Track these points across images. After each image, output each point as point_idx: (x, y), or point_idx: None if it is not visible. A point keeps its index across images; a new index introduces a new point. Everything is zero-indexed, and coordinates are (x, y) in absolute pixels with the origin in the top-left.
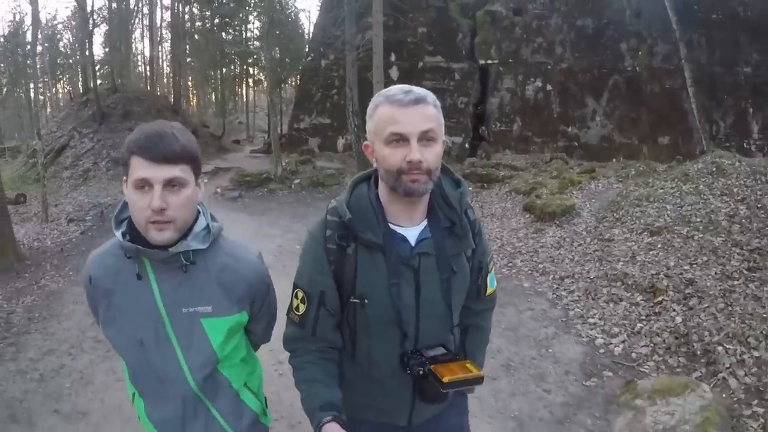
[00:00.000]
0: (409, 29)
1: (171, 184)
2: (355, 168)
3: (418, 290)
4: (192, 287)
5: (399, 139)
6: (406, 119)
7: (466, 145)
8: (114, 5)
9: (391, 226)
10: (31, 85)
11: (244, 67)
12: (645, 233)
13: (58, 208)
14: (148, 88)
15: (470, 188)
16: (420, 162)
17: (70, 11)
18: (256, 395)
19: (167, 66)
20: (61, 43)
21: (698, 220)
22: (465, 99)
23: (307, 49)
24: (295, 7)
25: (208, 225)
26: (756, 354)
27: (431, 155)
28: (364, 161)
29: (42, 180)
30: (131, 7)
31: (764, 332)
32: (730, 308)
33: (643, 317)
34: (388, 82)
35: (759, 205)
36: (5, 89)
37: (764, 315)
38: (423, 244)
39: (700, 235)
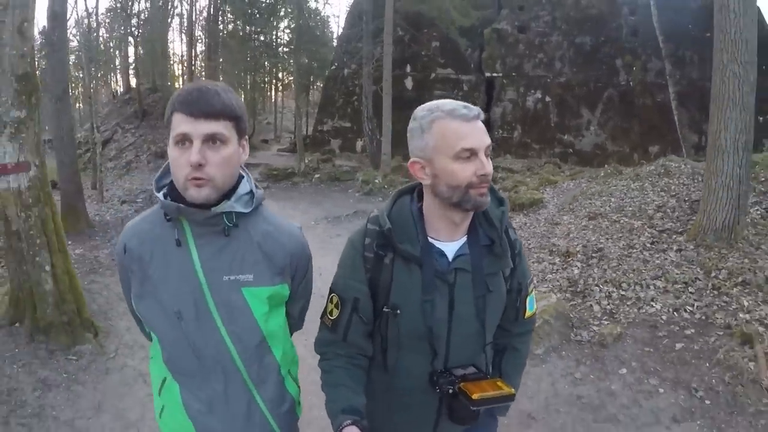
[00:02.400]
0: (423, 44)
1: (211, 140)
2: (369, 167)
3: (451, 306)
4: (233, 254)
5: (470, 155)
6: (474, 133)
7: None
8: (148, 5)
9: (430, 240)
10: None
11: (273, 71)
12: (585, 218)
13: (108, 193)
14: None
15: None
16: (490, 175)
17: (105, 9)
18: (296, 382)
19: (200, 64)
20: (100, 39)
21: (630, 209)
22: None
23: (332, 58)
24: (325, 14)
25: (251, 190)
26: (622, 293)
27: (491, 167)
28: (377, 161)
29: (99, 167)
30: (168, 8)
31: (635, 281)
32: (619, 267)
33: (554, 271)
34: (403, 90)
35: (686, 199)
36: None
37: (641, 270)
38: (460, 260)
39: (626, 220)
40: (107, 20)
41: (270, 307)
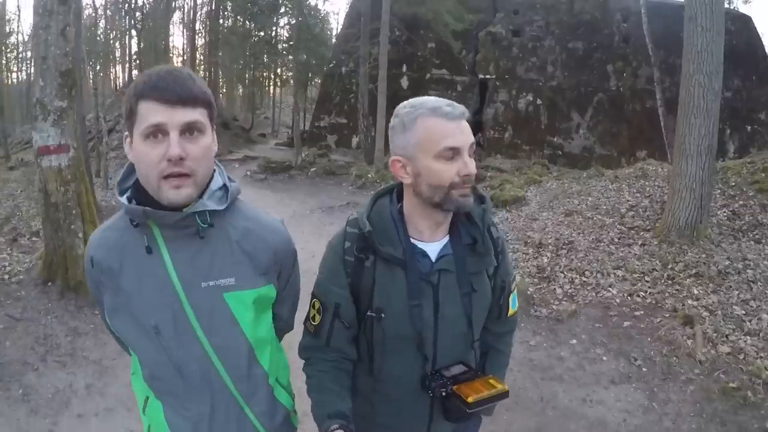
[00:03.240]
0: (418, 45)
1: (189, 130)
2: (364, 162)
3: (437, 307)
4: (211, 257)
5: (453, 154)
6: (458, 132)
7: None
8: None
9: (412, 241)
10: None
11: (272, 66)
12: (562, 215)
13: (112, 181)
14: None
15: None
16: (473, 175)
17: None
18: (287, 390)
19: (200, 59)
20: (99, 31)
21: (605, 208)
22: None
23: (330, 56)
24: (324, 11)
25: (225, 184)
26: (584, 279)
27: (474, 167)
28: (371, 156)
29: (105, 155)
30: (169, 3)
31: (597, 269)
32: (585, 257)
33: (525, 260)
34: (398, 89)
35: (659, 200)
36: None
37: (605, 261)
38: (443, 261)
39: (599, 217)
40: (108, 12)
41: (256, 312)
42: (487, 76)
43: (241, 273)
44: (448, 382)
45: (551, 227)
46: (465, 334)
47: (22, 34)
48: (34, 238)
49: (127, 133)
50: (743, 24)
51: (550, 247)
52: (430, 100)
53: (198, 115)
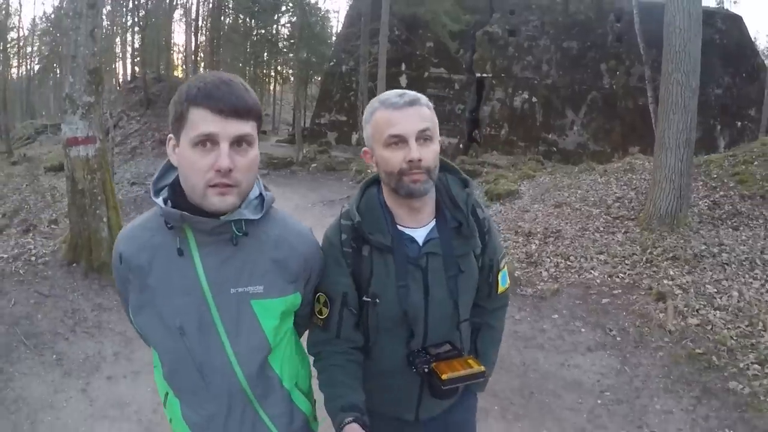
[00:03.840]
0: (417, 44)
1: (239, 142)
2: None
3: (426, 290)
4: (242, 264)
5: (398, 141)
6: (402, 120)
7: (461, 146)
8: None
9: (400, 228)
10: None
11: (273, 63)
12: (552, 206)
13: (116, 176)
14: (188, 77)
15: None
16: (419, 160)
17: None
18: (307, 397)
19: (201, 55)
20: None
21: (592, 199)
22: (462, 106)
23: (331, 54)
24: (324, 9)
25: (261, 193)
26: (568, 263)
27: (429, 154)
28: None
29: (111, 151)
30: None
31: (581, 255)
32: (571, 244)
33: (515, 247)
34: (397, 87)
35: (644, 192)
36: (38, 67)
37: (589, 247)
38: (430, 245)
39: (587, 208)
40: (108, 7)
41: (281, 320)
42: (484, 75)
43: (270, 281)
44: (431, 359)
45: (541, 218)
46: (451, 314)
47: (23, 29)
48: (52, 226)
49: (171, 135)
50: (733, 23)
51: (538, 235)
52: (386, 93)
53: (249, 128)
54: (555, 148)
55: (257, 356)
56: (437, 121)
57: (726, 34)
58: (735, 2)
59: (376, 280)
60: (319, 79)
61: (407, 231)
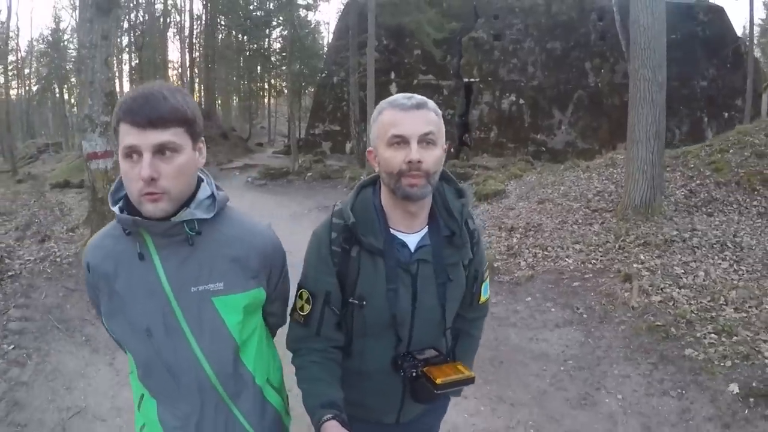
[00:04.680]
0: (405, 53)
1: (161, 150)
2: (357, 166)
3: (414, 295)
4: (200, 263)
5: (400, 141)
6: (407, 122)
7: (452, 150)
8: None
9: (392, 232)
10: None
11: (266, 77)
12: (536, 203)
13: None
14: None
15: None
16: (419, 162)
17: None
18: (279, 392)
19: (195, 71)
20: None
21: (573, 194)
22: (452, 111)
23: (322, 66)
24: (315, 21)
25: (212, 193)
26: (545, 253)
27: (430, 158)
28: (363, 160)
29: (115, 166)
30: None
31: (558, 245)
32: (550, 236)
33: (498, 242)
34: (386, 95)
35: (624, 186)
36: (37, 87)
37: (566, 238)
38: (422, 251)
39: (568, 203)
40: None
41: (245, 315)
42: (472, 80)
43: (231, 278)
44: (419, 363)
45: (525, 214)
46: (438, 321)
47: (20, 51)
48: (71, 233)
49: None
50: (716, 15)
51: (520, 230)
52: (395, 96)
53: (169, 135)
54: (544, 148)
55: (224, 353)
56: (444, 128)
57: (709, 26)
58: None
59: (362, 282)
60: (312, 90)
61: (399, 235)
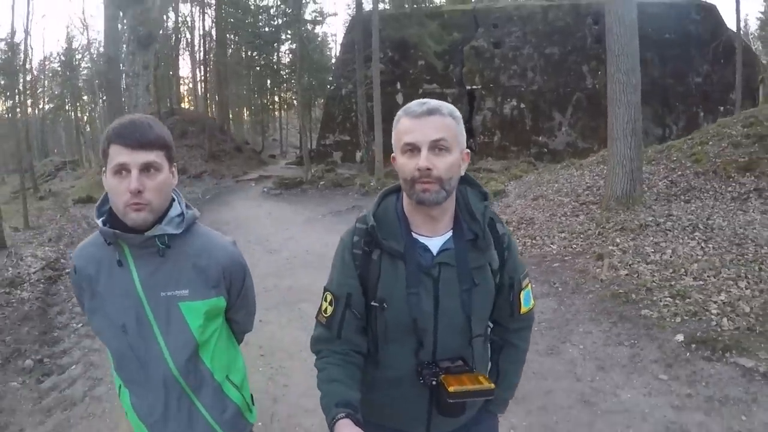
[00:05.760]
0: (410, 64)
1: (147, 168)
2: (367, 174)
3: (437, 299)
4: (169, 272)
5: (412, 149)
6: (418, 129)
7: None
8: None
9: (415, 236)
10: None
11: (276, 90)
12: (531, 200)
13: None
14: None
15: None
16: (428, 169)
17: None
18: (239, 389)
19: (204, 86)
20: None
21: (565, 190)
22: None
23: (330, 79)
24: (323, 34)
25: (182, 212)
26: (534, 242)
27: (442, 164)
28: (372, 168)
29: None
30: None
31: (546, 235)
32: (540, 228)
33: None
34: (394, 105)
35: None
36: (50, 106)
37: (553, 228)
38: (444, 255)
39: (560, 198)
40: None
41: (206, 320)
42: (474, 87)
43: (194, 286)
44: (440, 372)
45: (520, 210)
46: (463, 328)
47: (33, 70)
48: None
49: (104, 168)
50: (708, 12)
51: (513, 223)
52: (412, 102)
53: (154, 156)
54: (546, 150)
55: (186, 350)
56: (463, 132)
57: (701, 24)
58: None
59: (383, 284)
60: (322, 102)
61: (422, 239)
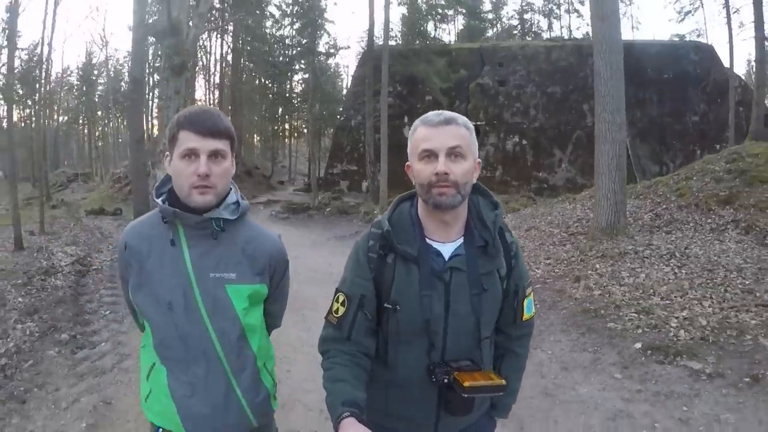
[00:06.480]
0: (417, 98)
1: (215, 155)
2: (371, 202)
3: (447, 303)
4: (219, 255)
5: (429, 155)
6: (435, 137)
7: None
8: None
9: (428, 241)
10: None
11: (287, 118)
12: (524, 230)
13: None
14: None
15: None
16: (446, 174)
17: (127, 52)
18: (272, 377)
19: (220, 109)
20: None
21: (557, 222)
22: None
23: (341, 110)
24: (335, 65)
25: (238, 200)
26: (539, 271)
27: (459, 169)
28: (377, 196)
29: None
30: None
31: (533, 261)
32: (528, 256)
33: None
34: (401, 138)
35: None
36: (64, 118)
37: (540, 255)
38: (456, 260)
39: (551, 229)
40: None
41: (249, 304)
42: (478, 123)
43: (241, 271)
44: (452, 370)
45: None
46: (473, 331)
47: (51, 83)
48: None
49: (168, 152)
50: (706, 53)
51: None
52: (429, 113)
53: (222, 144)
54: (546, 185)
55: (231, 331)
56: (476, 141)
57: (699, 64)
58: (699, 36)
59: (397, 287)
60: (331, 132)
61: (435, 245)
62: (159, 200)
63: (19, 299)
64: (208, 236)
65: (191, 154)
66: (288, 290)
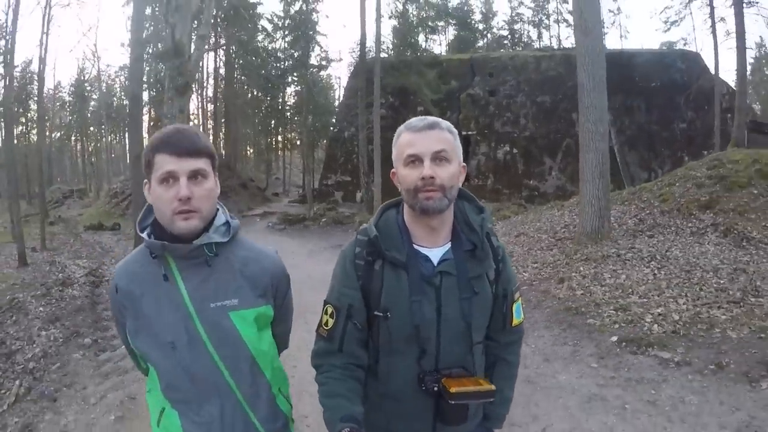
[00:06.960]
0: (409, 109)
1: (195, 175)
2: (366, 212)
3: (439, 308)
4: (217, 282)
5: (415, 160)
6: (420, 141)
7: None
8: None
9: (416, 247)
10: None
11: (281, 130)
12: (513, 236)
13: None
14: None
15: None
16: (432, 178)
17: (119, 67)
18: (288, 400)
19: (215, 121)
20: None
21: (545, 228)
22: None
23: (334, 121)
24: (327, 76)
25: (227, 220)
26: (526, 275)
27: (444, 173)
28: (371, 206)
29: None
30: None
31: (521, 265)
32: (516, 261)
33: None
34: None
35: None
36: (58, 135)
37: (528, 260)
38: (445, 264)
39: (539, 235)
40: (124, 79)
41: (258, 328)
42: (469, 132)
43: (243, 295)
44: (441, 377)
45: (503, 245)
46: (464, 335)
47: (44, 100)
48: None
49: (146, 180)
50: (693, 61)
51: None
52: (411, 119)
53: (202, 163)
54: (536, 193)
55: (241, 361)
56: (460, 145)
57: (686, 72)
58: (686, 44)
59: (386, 294)
60: (325, 143)
61: (423, 250)
62: (144, 234)
63: (40, 308)
64: (201, 264)
65: (169, 177)
66: (292, 307)
